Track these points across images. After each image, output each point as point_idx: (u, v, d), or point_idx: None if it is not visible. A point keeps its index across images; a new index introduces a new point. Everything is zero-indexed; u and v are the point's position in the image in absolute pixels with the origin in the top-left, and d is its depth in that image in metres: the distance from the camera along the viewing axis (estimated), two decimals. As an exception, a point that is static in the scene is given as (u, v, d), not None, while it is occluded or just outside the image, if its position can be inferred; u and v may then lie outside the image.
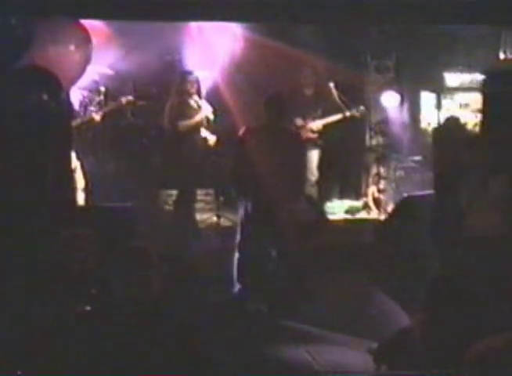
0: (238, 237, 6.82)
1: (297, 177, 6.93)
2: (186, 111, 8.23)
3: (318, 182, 8.75)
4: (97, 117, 8.54)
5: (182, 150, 8.22)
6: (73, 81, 7.43)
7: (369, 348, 4.35)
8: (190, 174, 8.24)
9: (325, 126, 8.75)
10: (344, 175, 9.93)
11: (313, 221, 7.27)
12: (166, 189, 9.30)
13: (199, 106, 8.24)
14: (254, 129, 6.93)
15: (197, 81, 8.34)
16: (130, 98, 8.73)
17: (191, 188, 8.49)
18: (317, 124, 8.68)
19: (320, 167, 8.78)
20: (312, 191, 8.53)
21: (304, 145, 7.60)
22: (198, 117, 8.20)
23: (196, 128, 8.25)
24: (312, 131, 8.63)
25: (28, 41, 6.31)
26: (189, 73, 8.52)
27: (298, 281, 7.28)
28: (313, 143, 8.64)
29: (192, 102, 8.25)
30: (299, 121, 8.56)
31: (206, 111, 8.24)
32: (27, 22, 6.40)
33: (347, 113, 8.79)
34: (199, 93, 8.29)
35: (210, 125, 8.35)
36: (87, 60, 7.33)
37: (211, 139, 8.36)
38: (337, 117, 8.78)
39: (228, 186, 7.47)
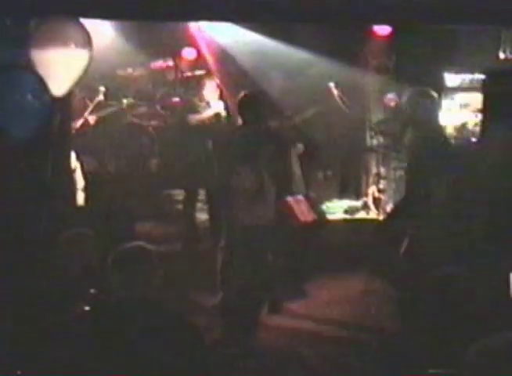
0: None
1: (281, 177, 6.67)
2: (196, 109, 8.18)
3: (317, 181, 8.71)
4: (97, 118, 8.54)
5: (191, 149, 8.14)
6: (74, 81, 7.42)
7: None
8: (199, 173, 8.11)
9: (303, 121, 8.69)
10: (343, 175, 9.93)
11: (311, 220, 7.21)
12: (171, 189, 9.32)
13: (207, 104, 8.19)
14: (233, 131, 6.90)
15: (205, 80, 8.33)
16: (131, 100, 8.73)
17: (199, 187, 8.45)
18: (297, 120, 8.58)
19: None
20: (311, 190, 8.47)
21: (285, 144, 7.27)
22: (207, 114, 8.12)
23: (205, 124, 8.13)
24: (293, 129, 8.48)
25: (28, 41, 6.31)
26: (197, 72, 8.51)
27: (297, 281, 7.28)
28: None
29: (200, 100, 8.21)
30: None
31: (216, 108, 8.15)
32: (26, 22, 6.40)
33: (320, 108, 8.76)
34: (207, 91, 8.24)
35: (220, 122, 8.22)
36: (88, 60, 7.33)
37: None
38: (311, 111, 8.73)
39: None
